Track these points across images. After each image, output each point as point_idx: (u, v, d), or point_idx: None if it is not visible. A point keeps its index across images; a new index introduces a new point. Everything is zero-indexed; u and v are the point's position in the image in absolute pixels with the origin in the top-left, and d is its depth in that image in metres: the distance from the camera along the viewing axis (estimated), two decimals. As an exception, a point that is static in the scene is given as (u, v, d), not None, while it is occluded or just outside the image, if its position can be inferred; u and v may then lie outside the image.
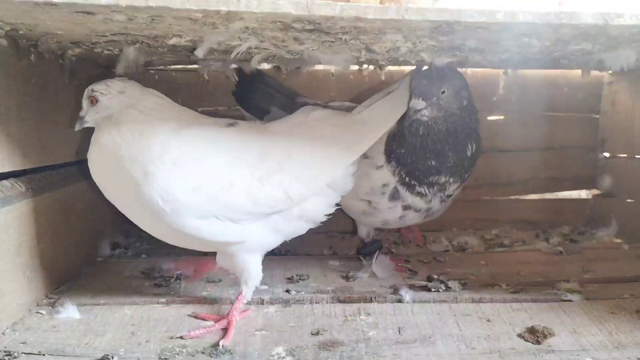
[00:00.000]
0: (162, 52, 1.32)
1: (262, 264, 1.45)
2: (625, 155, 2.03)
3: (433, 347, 1.20)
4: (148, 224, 1.29)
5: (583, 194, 2.22)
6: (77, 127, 1.29)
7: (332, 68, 2.00)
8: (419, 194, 1.56)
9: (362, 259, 1.64)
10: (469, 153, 1.53)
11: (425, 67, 1.50)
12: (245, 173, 1.26)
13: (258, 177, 1.26)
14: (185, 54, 1.32)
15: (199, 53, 1.12)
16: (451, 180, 1.55)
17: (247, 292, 1.34)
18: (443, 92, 1.45)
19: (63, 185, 1.54)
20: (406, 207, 1.58)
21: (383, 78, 2.05)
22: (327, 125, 1.40)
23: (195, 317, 1.33)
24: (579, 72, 2.04)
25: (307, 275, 1.60)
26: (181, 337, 1.22)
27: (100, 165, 1.25)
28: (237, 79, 1.82)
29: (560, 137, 2.17)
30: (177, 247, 1.71)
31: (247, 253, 1.34)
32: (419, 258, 1.78)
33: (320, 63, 1.41)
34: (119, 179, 1.21)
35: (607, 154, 2.14)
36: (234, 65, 1.73)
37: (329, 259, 1.79)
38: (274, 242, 1.40)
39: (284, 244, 1.93)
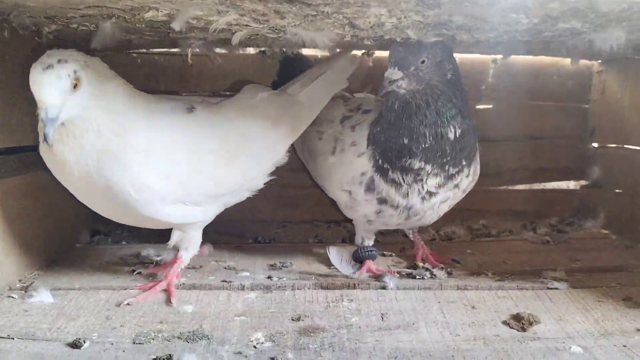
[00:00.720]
0: (141, 29, 1.27)
1: (244, 252, 1.66)
2: (614, 145, 2.01)
3: (417, 333, 1.17)
4: (111, 211, 1.29)
5: (571, 184, 2.20)
6: (50, 136, 1.10)
7: (318, 53, 1.96)
8: (393, 182, 1.38)
9: (328, 252, 1.52)
10: (450, 136, 1.34)
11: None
12: (210, 159, 1.31)
13: (222, 162, 1.34)
14: (164, 31, 1.28)
15: (176, 26, 1.08)
16: (428, 168, 1.35)
17: (186, 257, 1.42)
18: (423, 61, 1.31)
19: (35, 169, 1.49)
20: (381, 201, 1.42)
21: (371, 64, 2.04)
22: (272, 107, 1.47)
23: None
24: (568, 60, 2.05)
25: (290, 263, 1.57)
26: (128, 304, 1.26)
27: (64, 155, 1.18)
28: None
29: (549, 126, 2.14)
30: (158, 234, 1.70)
31: (197, 229, 1.43)
32: (404, 246, 1.75)
33: (304, 45, 1.37)
34: (84, 169, 1.17)
35: (596, 144, 2.12)
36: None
37: (313, 247, 1.76)
38: (217, 213, 1.46)
39: (268, 233, 1.94)
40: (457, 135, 1.35)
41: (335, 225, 2.07)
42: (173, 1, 0.99)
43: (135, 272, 1.44)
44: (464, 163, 1.40)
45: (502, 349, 1.10)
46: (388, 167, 1.38)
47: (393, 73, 1.32)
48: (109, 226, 1.90)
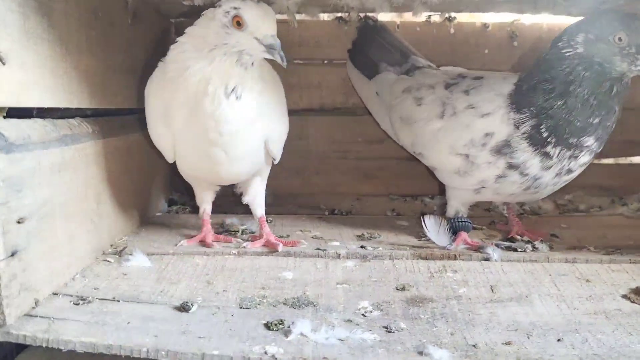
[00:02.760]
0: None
1: (327, 223, 1.66)
2: None
3: (531, 306, 1.10)
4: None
5: (660, 159, 2.08)
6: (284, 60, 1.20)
7: (397, 19, 1.88)
8: (545, 155, 1.31)
9: (423, 222, 1.43)
10: (617, 108, 1.31)
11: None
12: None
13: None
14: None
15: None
16: (594, 146, 1.31)
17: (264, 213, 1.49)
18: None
19: (123, 133, 1.47)
20: (511, 167, 1.34)
21: (452, 31, 1.95)
22: None
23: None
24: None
25: (377, 234, 1.52)
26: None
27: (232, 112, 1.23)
28: (356, 36, 1.86)
29: (640, 96, 2.01)
30: (233, 205, 1.65)
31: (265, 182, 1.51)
32: (493, 219, 1.68)
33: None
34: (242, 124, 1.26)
35: (690, 116, 1.99)
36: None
37: (396, 219, 1.70)
38: None
39: (344, 205, 1.88)
40: (616, 112, 1.31)
41: (412, 199, 2.00)
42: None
43: (178, 244, 1.39)
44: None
45: (627, 324, 1.03)
46: (552, 140, 1.30)
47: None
48: (183, 197, 1.88)
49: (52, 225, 1.06)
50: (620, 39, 1.24)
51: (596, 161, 2.05)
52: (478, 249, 1.37)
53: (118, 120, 1.49)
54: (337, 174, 2.04)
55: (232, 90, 1.21)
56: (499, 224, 1.64)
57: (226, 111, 1.21)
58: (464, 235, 1.44)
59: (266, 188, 1.92)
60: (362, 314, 1.05)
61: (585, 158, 1.34)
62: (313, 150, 2.03)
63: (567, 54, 1.29)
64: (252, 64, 1.23)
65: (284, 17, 1.62)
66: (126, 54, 1.46)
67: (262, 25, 1.18)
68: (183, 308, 1.03)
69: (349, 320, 1.02)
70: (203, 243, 1.38)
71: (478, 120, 1.37)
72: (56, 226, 1.08)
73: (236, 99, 1.21)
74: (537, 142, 1.32)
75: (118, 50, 1.41)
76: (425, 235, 1.45)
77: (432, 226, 1.43)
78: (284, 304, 1.08)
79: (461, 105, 1.41)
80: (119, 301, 1.06)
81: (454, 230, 1.45)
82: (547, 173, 1.35)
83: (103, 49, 1.31)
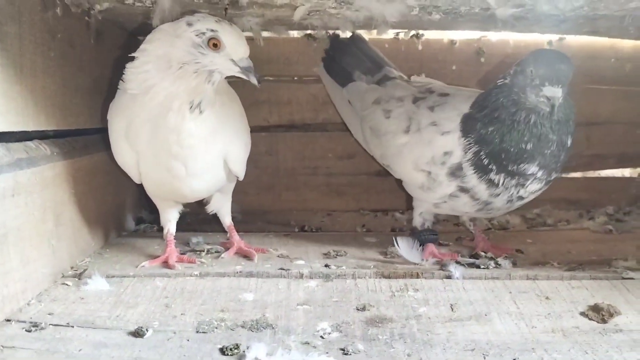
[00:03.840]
0: (198, 4, 1.22)
1: (294, 240, 1.66)
2: (675, 130, 1.92)
3: (490, 324, 1.10)
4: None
5: (627, 172, 2.11)
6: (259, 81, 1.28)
7: (366, 36, 1.89)
8: (489, 182, 1.33)
9: (396, 242, 1.43)
10: (568, 143, 1.33)
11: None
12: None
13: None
14: (222, 7, 1.22)
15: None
16: (538, 174, 1.32)
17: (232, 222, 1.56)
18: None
19: (86, 153, 1.46)
20: (463, 190, 1.37)
21: (420, 48, 1.97)
22: None
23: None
24: (627, 42, 1.96)
25: (344, 251, 1.52)
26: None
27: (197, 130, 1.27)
28: (329, 44, 1.87)
29: (606, 111, 2.05)
30: (203, 223, 1.66)
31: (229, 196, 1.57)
32: (460, 235, 1.69)
33: (364, 21, 1.29)
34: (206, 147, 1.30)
35: (655, 130, 2.03)
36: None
37: (364, 236, 1.70)
38: None
39: (315, 222, 1.88)
40: (569, 146, 1.35)
41: (383, 214, 2.01)
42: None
43: (140, 266, 1.37)
44: (560, 169, 1.38)
45: (584, 341, 1.03)
46: (493, 168, 1.32)
47: (557, 91, 1.26)
48: (153, 215, 1.86)
49: (5, 251, 1.05)
50: (532, 71, 1.28)
51: (564, 175, 2.09)
52: (442, 265, 1.37)
53: (82, 140, 1.48)
54: (307, 190, 2.04)
55: (197, 105, 1.24)
56: (465, 240, 1.65)
57: (189, 125, 1.24)
58: (431, 247, 1.45)
59: (236, 205, 1.93)
60: (321, 336, 1.05)
61: (534, 186, 1.35)
62: (283, 166, 2.03)
63: (499, 84, 1.35)
64: (219, 80, 1.26)
65: (250, 34, 1.62)
66: (89, 74, 1.46)
67: (239, 48, 1.23)
68: (137, 333, 1.02)
69: (307, 343, 1.02)
70: (166, 264, 1.36)
71: (439, 137, 1.38)
72: (9, 251, 1.06)
73: (199, 113, 1.25)
74: (480, 170, 1.34)
75: (80, 70, 1.40)
76: (393, 253, 1.47)
77: (405, 247, 1.43)
78: (242, 327, 1.07)
79: (425, 122, 1.43)
80: (73, 327, 1.05)
81: (420, 242, 1.47)
82: (496, 199, 1.36)
83: (63, 70, 1.30)
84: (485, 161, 1.33)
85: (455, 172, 1.36)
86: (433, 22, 1.37)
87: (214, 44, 1.20)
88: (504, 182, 1.33)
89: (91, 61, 1.46)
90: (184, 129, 1.24)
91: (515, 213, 1.94)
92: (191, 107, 1.23)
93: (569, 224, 1.88)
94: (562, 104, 1.28)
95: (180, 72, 1.21)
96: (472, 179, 1.35)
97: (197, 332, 1.05)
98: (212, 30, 1.20)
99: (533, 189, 1.36)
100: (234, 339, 1.01)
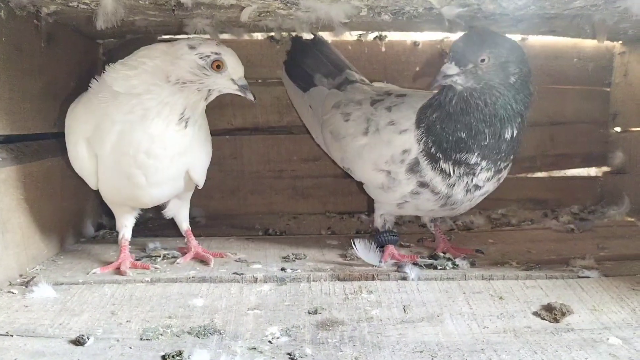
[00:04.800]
0: (144, 6, 1.20)
1: (256, 244, 1.64)
2: (637, 129, 1.93)
3: (442, 326, 1.09)
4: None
5: (593, 171, 2.12)
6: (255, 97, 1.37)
7: (330, 38, 1.88)
8: (442, 172, 1.34)
9: (354, 245, 1.42)
10: (507, 136, 1.31)
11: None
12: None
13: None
14: (169, 8, 1.20)
15: (181, -1, 1.01)
16: (483, 164, 1.33)
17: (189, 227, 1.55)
18: (483, 60, 1.26)
19: (38, 158, 1.43)
20: (422, 184, 1.37)
21: (383, 49, 1.97)
22: None
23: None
24: (589, 42, 1.97)
25: (304, 255, 1.50)
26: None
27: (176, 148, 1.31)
28: (290, 46, 1.87)
29: (569, 111, 2.06)
30: (164, 228, 1.64)
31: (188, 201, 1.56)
32: (422, 236, 1.68)
33: (318, 23, 1.29)
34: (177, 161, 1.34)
35: (618, 129, 2.04)
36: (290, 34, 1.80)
37: (327, 239, 1.69)
38: None
39: (280, 225, 1.87)
40: (514, 136, 1.33)
41: (349, 217, 2.00)
42: (177, -29, 0.92)
43: (91, 272, 1.34)
44: (511, 157, 1.39)
45: (534, 341, 1.03)
46: (440, 156, 1.34)
47: (449, 68, 1.28)
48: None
49: (-57, 259, 1.02)
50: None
51: (530, 174, 2.10)
52: (398, 268, 1.36)
53: (34, 145, 1.45)
54: (272, 193, 2.02)
55: (186, 119, 1.30)
56: (426, 241, 1.64)
57: (169, 135, 1.28)
58: (391, 249, 1.45)
59: (200, 209, 1.91)
60: (269, 341, 1.03)
61: (484, 174, 1.35)
62: (247, 170, 2.01)
63: None
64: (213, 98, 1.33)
65: (206, 37, 1.60)
66: (40, 78, 1.43)
67: (239, 68, 1.32)
68: (78, 342, 0.99)
69: (253, 348, 1.00)
70: (118, 270, 1.34)
71: (397, 136, 1.38)
72: (-52, 259, 1.03)
73: (184, 127, 1.30)
74: (431, 159, 1.34)
75: (29, 75, 1.37)
76: (352, 255, 1.45)
77: (363, 249, 1.42)
78: (189, 333, 1.05)
79: (383, 122, 1.43)
80: (12, 336, 1.02)
81: (381, 244, 1.45)
82: (455, 190, 1.36)
83: (9, 74, 1.28)
84: (433, 149, 1.34)
85: (413, 167, 1.36)
86: (388, 23, 1.37)
87: (217, 66, 1.27)
88: (454, 170, 1.34)
89: (42, 65, 1.43)
90: (163, 139, 1.28)
91: (481, 213, 1.95)
92: (180, 119, 1.29)
93: (533, 223, 1.88)
94: (480, 89, 1.28)
95: (181, 88, 1.27)
96: (427, 170, 1.35)
97: (141, 339, 1.02)
98: (215, 53, 1.27)
99: (484, 177, 1.36)
100: (178, 346, 0.99)
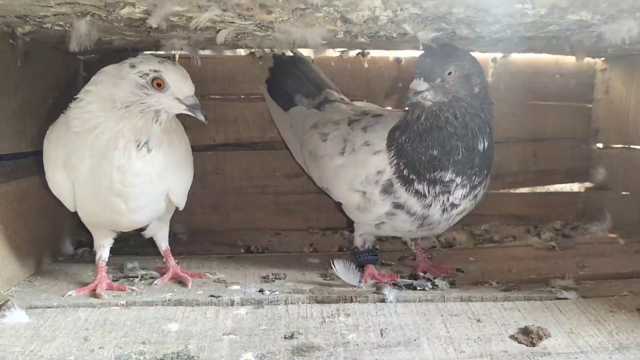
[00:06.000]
0: (119, 28, 1.19)
1: (236, 263, 1.63)
2: (619, 145, 1.94)
3: (418, 350, 1.09)
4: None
5: (575, 187, 2.13)
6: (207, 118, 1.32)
7: (312, 54, 1.88)
8: (416, 193, 1.33)
9: (333, 265, 1.42)
10: (480, 147, 1.32)
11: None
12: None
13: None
14: (144, 30, 1.19)
15: (153, 22, 1.00)
16: (458, 180, 1.32)
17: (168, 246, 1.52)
18: (450, 73, 1.27)
19: (14, 177, 1.41)
20: (397, 206, 1.35)
21: (366, 66, 1.97)
22: None
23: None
24: (571, 59, 1.98)
25: (283, 274, 1.49)
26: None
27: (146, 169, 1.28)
28: (272, 63, 1.85)
29: (552, 127, 2.07)
30: (145, 245, 1.63)
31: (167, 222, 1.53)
32: (403, 254, 1.68)
33: (295, 44, 1.29)
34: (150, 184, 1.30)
35: (600, 145, 2.05)
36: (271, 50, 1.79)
37: (308, 257, 1.68)
38: None
39: (262, 242, 1.86)
40: (486, 147, 1.33)
41: (332, 233, 1.99)
42: (149, -4, 0.91)
43: (66, 295, 1.32)
44: (485, 172, 1.38)
45: (510, 366, 1.02)
46: (414, 177, 1.33)
47: (418, 84, 1.28)
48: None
49: None
50: None
51: (512, 190, 2.11)
52: (377, 289, 1.36)
53: (10, 165, 1.43)
54: (255, 209, 2.01)
55: (145, 143, 1.25)
56: (407, 260, 1.64)
57: (136, 164, 1.25)
58: (370, 269, 1.44)
59: (182, 226, 1.90)
60: (243, 368, 1.02)
61: (460, 191, 1.34)
62: (230, 185, 2.00)
63: None
64: (166, 119, 1.27)
65: (187, 52, 1.59)
66: (16, 97, 1.41)
67: (184, 86, 1.25)
68: (48, 370, 0.98)
69: (227, 376, 0.99)
70: (94, 292, 1.33)
71: (372, 157, 1.38)
72: None
73: (147, 152, 1.26)
74: (405, 181, 1.34)
75: (4, 95, 1.35)
76: (333, 275, 1.44)
77: (342, 269, 1.42)
78: (162, 359, 1.04)
79: (359, 142, 1.42)
80: (-20, 365, 1.01)
81: (360, 264, 1.45)
82: (432, 211, 1.35)
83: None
84: (405, 172, 1.33)
85: (387, 188, 1.35)
86: (367, 43, 1.36)
87: (158, 84, 1.22)
88: (429, 190, 1.33)
89: (18, 83, 1.41)
90: (130, 168, 1.25)
91: (463, 229, 1.95)
92: (138, 145, 1.25)
93: (515, 239, 1.88)
94: (448, 102, 1.28)
95: (125, 112, 1.23)
96: (401, 192, 1.34)
97: (113, 366, 1.01)
98: (155, 71, 1.22)
99: (460, 194, 1.34)
100: (150, 374, 0.98)
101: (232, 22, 1.08)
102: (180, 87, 1.25)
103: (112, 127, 1.23)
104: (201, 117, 1.28)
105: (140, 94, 1.22)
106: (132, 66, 1.23)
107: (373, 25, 1.09)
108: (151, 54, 1.60)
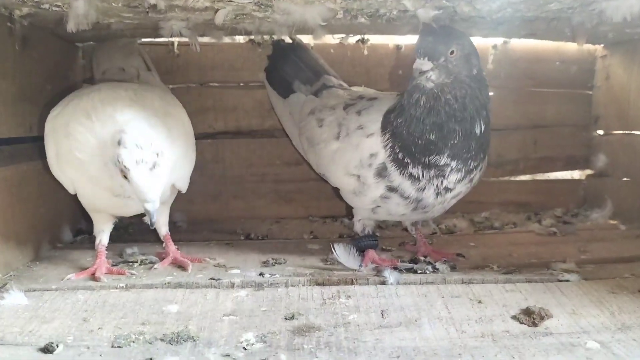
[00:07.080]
0: (117, 9, 1.19)
1: (236, 249, 1.62)
2: (620, 131, 1.94)
3: (419, 330, 1.08)
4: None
5: (576, 174, 2.12)
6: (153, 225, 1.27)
7: (311, 41, 1.87)
8: (410, 176, 1.32)
9: (334, 249, 1.41)
10: (477, 131, 1.30)
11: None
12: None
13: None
14: (143, 11, 1.19)
15: (152, -1, 0.99)
16: (453, 164, 1.30)
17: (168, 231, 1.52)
18: (452, 52, 1.24)
19: (12, 162, 1.41)
20: (391, 189, 1.35)
21: (366, 53, 1.96)
22: None
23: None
24: (571, 45, 1.97)
25: (284, 259, 1.48)
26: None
27: None
28: (271, 50, 1.86)
29: (552, 114, 2.06)
30: (144, 232, 1.62)
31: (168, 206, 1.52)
32: (404, 240, 1.67)
33: (294, 26, 1.28)
34: None
35: (601, 132, 2.04)
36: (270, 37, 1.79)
37: (308, 243, 1.67)
38: None
39: (262, 229, 1.85)
40: (482, 131, 1.31)
41: (332, 221, 1.99)
42: (148, -29, 0.91)
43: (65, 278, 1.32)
44: (482, 156, 1.36)
45: (512, 346, 1.02)
46: (409, 161, 1.31)
47: (423, 64, 1.25)
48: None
49: None
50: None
51: (513, 178, 2.10)
52: (377, 272, 1.35)
53: (8, 150, 1.43)
54: (255, 197, 2.01)
55: (154, 165, 1.20)
56: (407, 245, 1.63)
57: (148, 181, 1.20)
58: (371, 253, 1.43)
59: (181, 214, 1.89)
60: (244, 347, 1.01)
61: (455, 176, 1.33)
62: (230, 174, 1.99)
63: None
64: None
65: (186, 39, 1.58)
66: (14, 82, 1.40)
67: (144, 197, 1.20)
68: (47, 349, 0.97)
69: (227, 355, 0.98)
70: (93, 276, 1.32)
71: (365, 140, 1.37)
72: None
73: (157, 167, 1.21)
74: (399, 165, 1.33)
75: (2, 79, 1.35)
76: (333, 260, 1.43)
77: (343, 253, 1.41)
78: (162, 340, 1.03)
79: (353, 126, 1.42)
80: (-20, 344, 1.00)
81: (361, 249, 1.44)
82: (425, 194, 1.34)
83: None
84: (400, 155, 1.32)
85: (381, 172, 1.34)
86: (368, 26, 1.36)
87: (124, 176, 1.19)
88: (423, 174, 1.31)
89: (16, 68, 1.41)
90: (144, 186, 1.20)
91: (464, 217, 1.95)
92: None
93: (516, 226, 1.87)
94: (450, 83, 1.26)
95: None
96: (395, 176, 1.33)
97: (113, 346, 1.00)
98: (126, 168, 1.17)
99: (455, 178, 1.33)
100: (150, 353, 0.98)
101: (231, 1, 1.08)
102: (139, 195, 1.20)
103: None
104: (149, 221, 1.25)
105: (115, 169, 1.20)
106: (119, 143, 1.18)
107: (373, 2, 1.08)
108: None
